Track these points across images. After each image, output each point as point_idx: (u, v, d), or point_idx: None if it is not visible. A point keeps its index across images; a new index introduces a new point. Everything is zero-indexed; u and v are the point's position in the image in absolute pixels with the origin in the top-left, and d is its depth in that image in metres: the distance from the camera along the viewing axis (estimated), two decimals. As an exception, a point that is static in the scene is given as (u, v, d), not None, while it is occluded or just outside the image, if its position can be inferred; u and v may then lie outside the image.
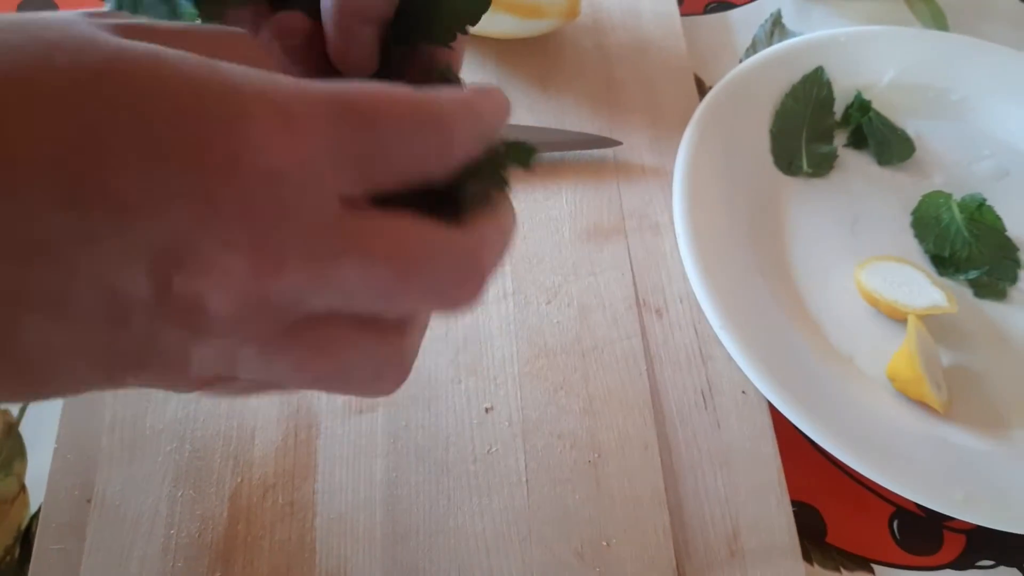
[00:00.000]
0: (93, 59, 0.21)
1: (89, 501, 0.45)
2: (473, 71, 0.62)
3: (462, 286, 0.25)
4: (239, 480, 0.46)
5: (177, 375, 0.23)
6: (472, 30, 0.32)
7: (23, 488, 0.47)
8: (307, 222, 0.22)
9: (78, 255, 0.20)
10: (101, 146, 0.20)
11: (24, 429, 0.48)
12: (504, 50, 0.64)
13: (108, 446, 0.46)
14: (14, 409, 0.49)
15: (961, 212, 0.59)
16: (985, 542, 0.49)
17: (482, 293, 0.25)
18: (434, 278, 0.24)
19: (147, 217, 0.21)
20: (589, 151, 0.59)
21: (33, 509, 0.46)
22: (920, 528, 0.49)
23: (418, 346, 0.27)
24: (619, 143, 0.60)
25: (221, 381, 0.25)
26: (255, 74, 0.22)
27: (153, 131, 0.21)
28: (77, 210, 0.20)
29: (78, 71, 0.21)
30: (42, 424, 0.48)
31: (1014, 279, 0.57)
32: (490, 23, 0.60)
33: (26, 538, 0.45)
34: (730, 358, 0.51)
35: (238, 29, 0.26)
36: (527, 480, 0.47)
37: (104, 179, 0.20)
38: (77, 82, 0.20)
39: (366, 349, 0.25)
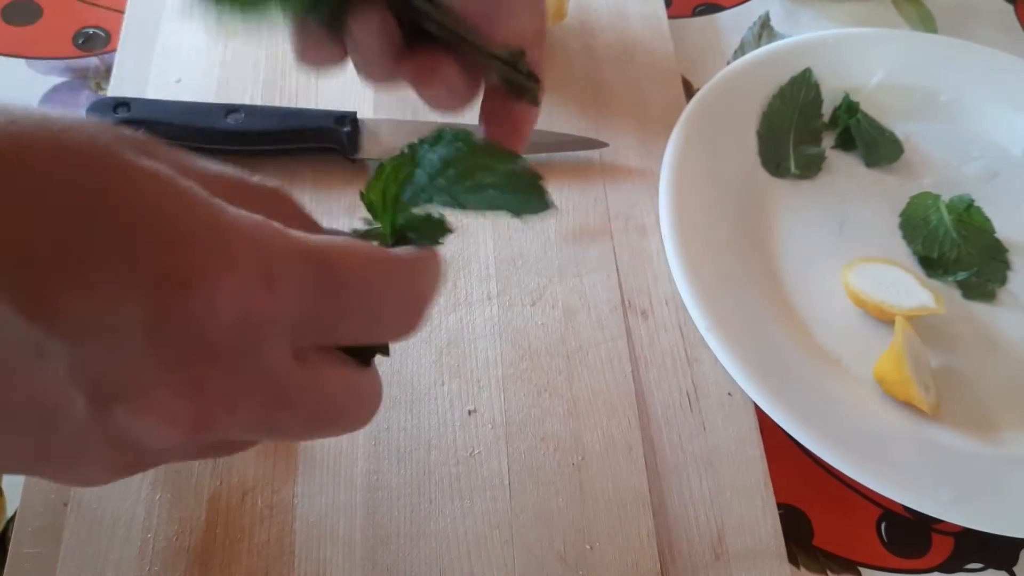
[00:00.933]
0: (97, 160, 0.20)
1: (66, 505, 0.44)
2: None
3: (366, 421, 0.28)
4: (218, 483, 0.45)
5: (97, 475, 0.24)
6: None
7: (0, 492, 0.46)
8: (259, 378, 0.23)
9: (21, 364, 0.20)
10: (76, 255, 0.19)
11: (2, 432, 0.48)
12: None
13: (86, 449, 0.45)
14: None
15: (950, 213, 0.58)
16: (974, 545, 0.49)
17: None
18: (353, 420, 0.27)
19: (105, 345, 0.20)
20: (575, 152, 0.59)
21: (10, 513, 0.45)
22: (908, 531, 0.49)
23: None
24: (605, 145, 0.59)
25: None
26: (250, 221, 0.22)
27: (133, 253, 0.20)
28: (35, 318, 0.19)
29: (81, 167, 0.20)
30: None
31: (1003, 280, 0.57)
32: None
33: (2, 543, 0.44)
34: (716, 360, 0.51)
35: (275, 184, 0.27)
36: (510, 483, 0.46)
37: (70, 293, 0.19)
38: (74, 177, 0.20)
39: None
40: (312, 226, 0.27)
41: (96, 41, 0.63)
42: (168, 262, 0.20)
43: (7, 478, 0.46)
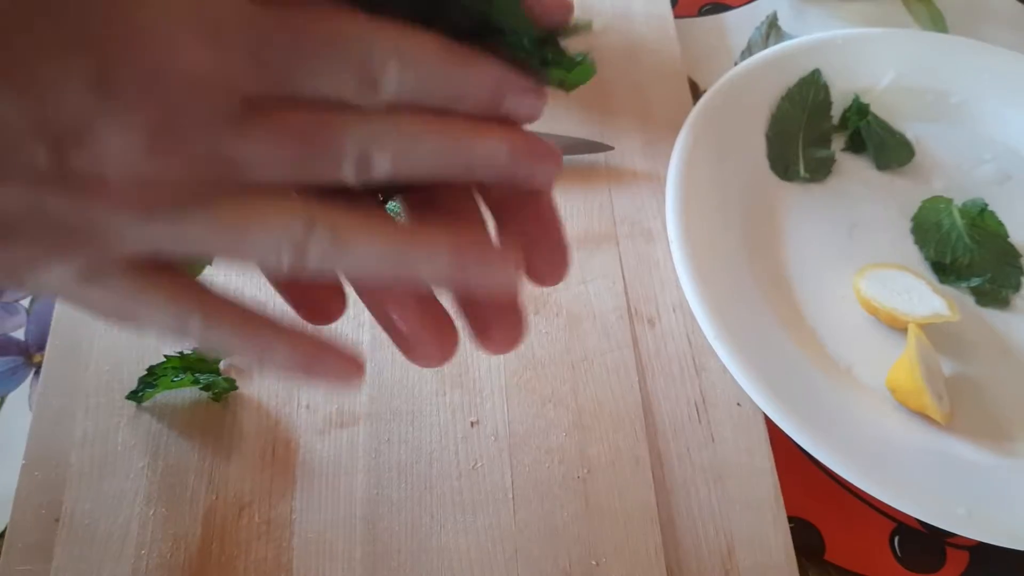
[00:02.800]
0: None
1: (57, 520, 0.43)
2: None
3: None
4: (214, 497, 0.44)
5: (49, 248, 0.23)
6: None
7: (-10, 506, 0.45)
8: (207, 116, 0.22)
9: None
10: (29, 10, 0.20)
11: (-8, 445, 0.47)
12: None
13: (78, 463, 0.44)
14: (-18, 424, 0.47)
15: (962, 218, 0.57)
16: (989, 559, 0.47)
17: None
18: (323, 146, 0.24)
19: (56, 97, 0.20)
20: (580, 156, 0.58)
21: (0, 529, 0.44)
22: (922, 544, 0.48)
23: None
24: (610, 148, 0.58)
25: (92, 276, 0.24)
26: None
27: (82, 5, 0.20)
28: None
29: None
30: (10, 440, 0.46)
31: (1017, 286, 0.56)
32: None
33: (-8, 559, 0.43)
34: (724, 369, 0.49)
35: None
36: (513, 497, 0.45)
37: (24, 47, 0.20)
38: None
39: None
40: None
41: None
42: (117, 17, 0.21)
43: (-3, 493, 0.45)
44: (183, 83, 0.21)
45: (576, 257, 0.53)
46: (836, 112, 0.62)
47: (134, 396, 0.46)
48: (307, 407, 0.47)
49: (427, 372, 0.48)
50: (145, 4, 0.21)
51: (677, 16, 0.67)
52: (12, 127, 0.21)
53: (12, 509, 0.43)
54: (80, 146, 0.21)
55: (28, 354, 0.51)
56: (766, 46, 0.67)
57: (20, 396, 0.49)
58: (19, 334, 0.51)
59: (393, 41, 0.24)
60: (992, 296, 0.55)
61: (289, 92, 0.23)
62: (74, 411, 0.46)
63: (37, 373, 0.50)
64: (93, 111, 0.21)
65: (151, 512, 0.43)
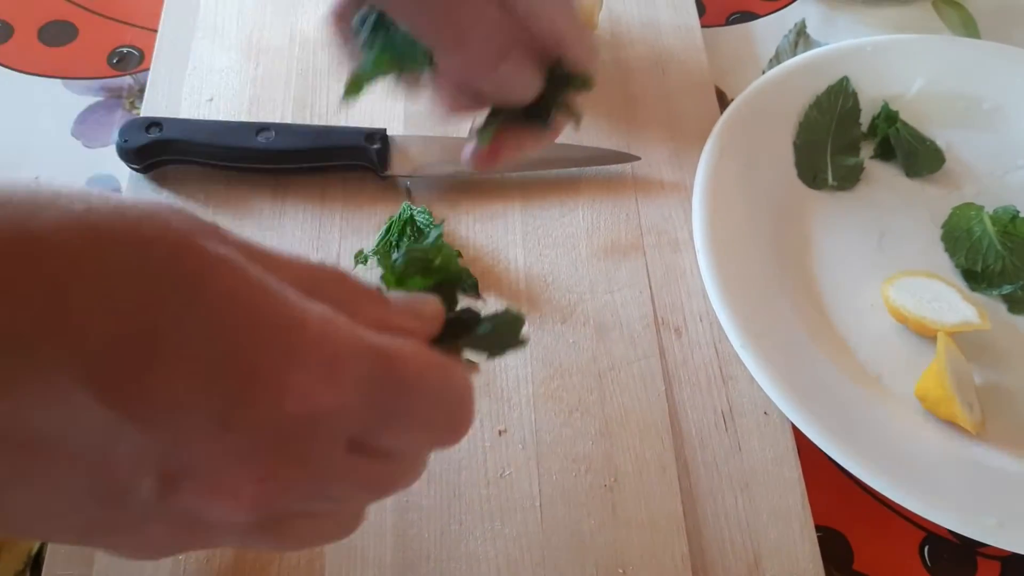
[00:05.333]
0: (174, 251, 0.21)
1: (98, 526, 0.44)
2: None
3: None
4: (248, 505, 0.45)
5: (156, 549, 0.25)
6: None
7: (35, 512, 0.46)
8: (318, 462, 0.24)
9: (96, 446, 0.21)
10: (156, 344, 0.20)
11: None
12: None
13: (118, 470, 0.46)
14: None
15: (994, 225, 0.57)
16: (1021, 570, 0.47)
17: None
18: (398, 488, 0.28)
19: (176, 433, 0.21)
20: (607, 167, 0.58)
21: (44, 533, 0.46)
22: (952, 555, 0.47)
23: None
24: (637, 158, 0.59)
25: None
26: (318, 316, 0.23)
27: (208, 347, 0.21)
28: (112, 406, 0.20)
29: (158, 258, 0.21)
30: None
31: (1050, 294, 0.55)
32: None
33: (36, 564, 0.45)
34: (751, 378, 0.50)
35: (335, 267, 0.27)
36: (541, 504, 0.46)
37: (147, 384, 0.20)
38: (152, 268, 0.21)
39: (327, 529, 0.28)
40: (375, 300, 0.28)
41: (130, 60, 0.64)
42: (241, 358, 0.21)
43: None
44: (300, 421, 0.23)
45: (603, 267, 0.54)
46: (865, 119, 0.62)
47: None
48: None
49: (456, 381, 0.49)
50: (266, 344, 0.22)
51: (704, 25, 0.67)
52: (127, 454, 0.21)
53: (55, 515, 0.45)
54: (192, 480, 0.22)
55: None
56: (794, 54, 0.67)
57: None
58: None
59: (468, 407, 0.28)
60: (1024, 304, 0.55)
61: (384, 436, 0.26)
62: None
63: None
64: (212, 448, 0.22)
65: (188, 518, 0.44)
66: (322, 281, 0.26)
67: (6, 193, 0.20)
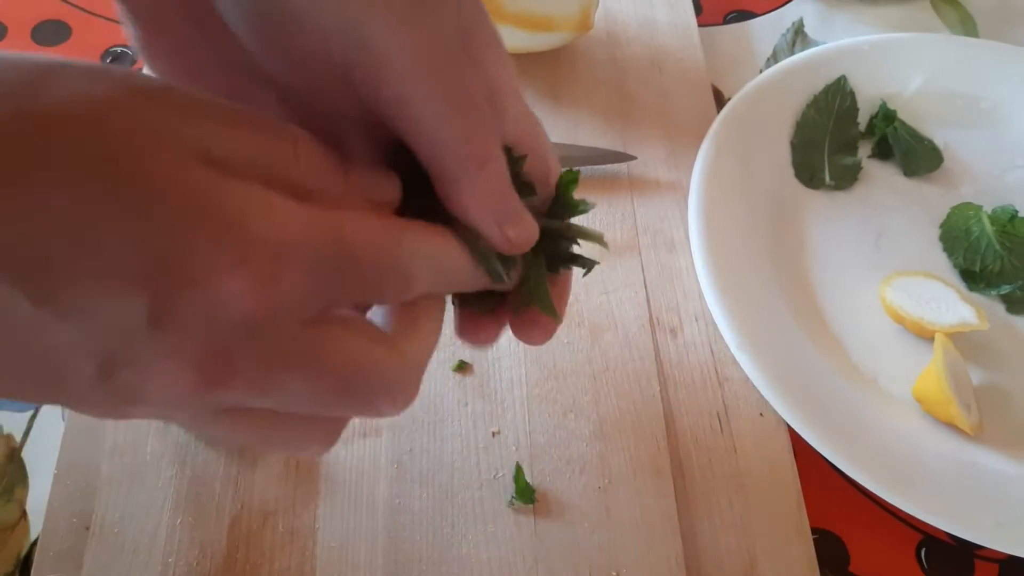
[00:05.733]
0: (114, 140, 0.21)
1: (88, 528, 0.44)
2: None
3: (393, 403, 0.26)
4: (239, 506, 0.45)
5: (111, 413, 0.24)
6: None
7: (24, 515, 0.46)
8: (263, 345, 0.23)
9: (29, 339, 0.21)
10: (80, 246, 0.20)
11: (27, 454, 0.48)
12: (515, 65, 0.62)
13: (108, 472, 0.45)
14: (17, 434, 0.48)
15: (992, 224, 0.56)
16: (1020, 572, 0.47)
17: (408, 405, 0.27)
18: (369, 395, 0.26)
19: (108, 328, 0.21)
20: (602, 166, 0.58)
21: (33, 536, 0.45)
22: (950, 557, 0.47)
23: (344, 425, 0.29)
24: (633, 157, 0.58)
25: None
26: (262, 208, 0.22)
27: (138, 246, 0.20)
28: (40, 304, 0.20)
29: (96, 147, 0.20)
30: (45, 450, 0.47)
31: (1049, 294, 0.55)
32: (500, 37, 0.59)
33: (25, 566, 0.44)
34: (747, 379, 0.49)
35: (292, 128, 0.26)
36: (535, 507, 0.45)
37: (74, 284, 0.20)
38: (89, 162, 0.20)
39: (292, 429, 0.27)
40: (331, 167, 0.26)
41: (124, 60, 0.64)
42: (173, 258, 0.21)
43: (31, 503, 0.46)
44: (235, 325, 0.22)
45: (598, 267, 0.53)
46: (862, 119, 0.61)
47: None
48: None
49: (449, 382, 0.49)
50: (200, 242, 0.21)
51: (701, 24, 0.67)
52: (62, 346, 0.21)
53: (44, 517, 0.44)
54: (129, 367, 0.22)
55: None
56: (792, 53, 0.66)
57: (53, 408, 0.50)
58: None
59: (431, 255, 0.27)
60: (1023, 304, 0.54)
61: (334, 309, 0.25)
62: (105, 422, 0.47)
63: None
64: (145, 343, 0.21)
65: (178, 521, 0.44)
66: (277, 141, 0.25)
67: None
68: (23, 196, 0.19)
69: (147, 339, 0.21)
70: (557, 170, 0.33)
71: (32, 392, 0.23)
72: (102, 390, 0.22)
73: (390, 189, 0.28)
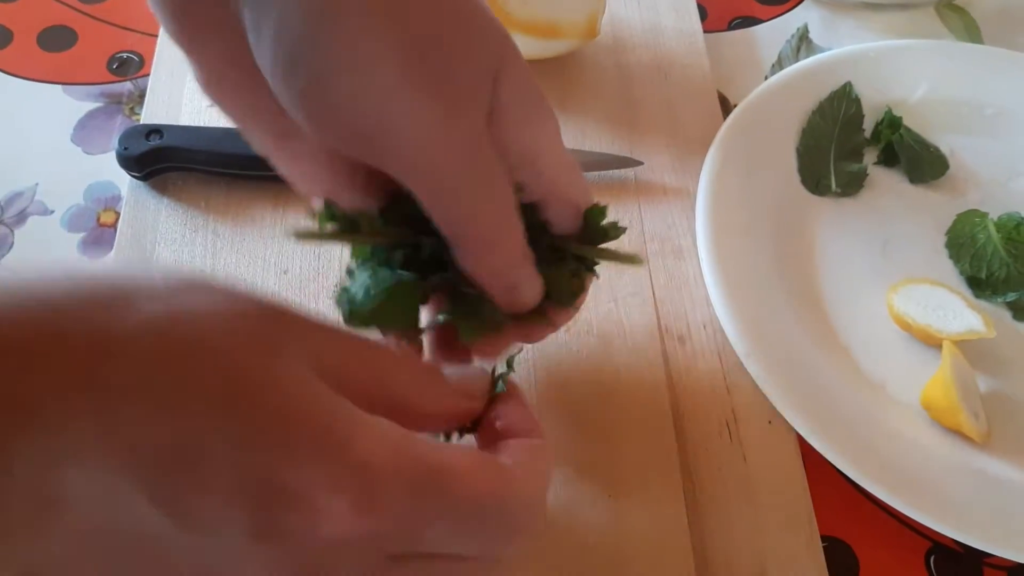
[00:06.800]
0: (231, 365, 0.23)
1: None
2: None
3: None
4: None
5: None
6: None
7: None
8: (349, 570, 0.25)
9: (142, 537, 0.22)
10: (195, 461, 0.22)
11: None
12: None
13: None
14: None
15: (998, 231, 0.56)
16: (1028, 580, 0.47)
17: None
18: None
19: (211, 537, 0.22)
20: (609, 172, 0.58)
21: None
22: (959, 565, 0.47)
23: None
24: (640, 163, 0.58)
25: None
26: (365, 438, 0.24)
27: (247, 464, 0.22)
28: (157, 506, 0.22)
29: (215, 374, 0.22)
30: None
31: (1056, 301, 0.55)
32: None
33: None
34: (756, 387, 0.49)
35: (395, 346, 0.29)
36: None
37: (186, 492, 0.22)
38: (208, 385, 0.22)
39: None
40: (435, 380, 0.29)
41: (130, 66, 0.63)
42: (276, 477, 0.22)
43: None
44: (333, 544, 0.23)
45: (606, 275, 0.53)
46: (868, 125, 0.62)
47: None
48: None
49: (458, 390, 0.49)
50: (304, 465, 0.22)
51: (707, 30, 0.67)
52: (167, 548, 0.22)
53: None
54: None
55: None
56: (797, 59, 0.66)
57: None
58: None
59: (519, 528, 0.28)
60: (1029, 311, 0.55)
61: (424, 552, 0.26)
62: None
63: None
64: (245, 554, 0.23)
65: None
66: (386, 370, 0.26)
67: (90, 287, 0.22)
68: (164, 412, 0.21)
69: (246, 553, 0.23)
70: (589, 203, 0.36)
71: None
72: None
73: (481, 384, 0.31)
